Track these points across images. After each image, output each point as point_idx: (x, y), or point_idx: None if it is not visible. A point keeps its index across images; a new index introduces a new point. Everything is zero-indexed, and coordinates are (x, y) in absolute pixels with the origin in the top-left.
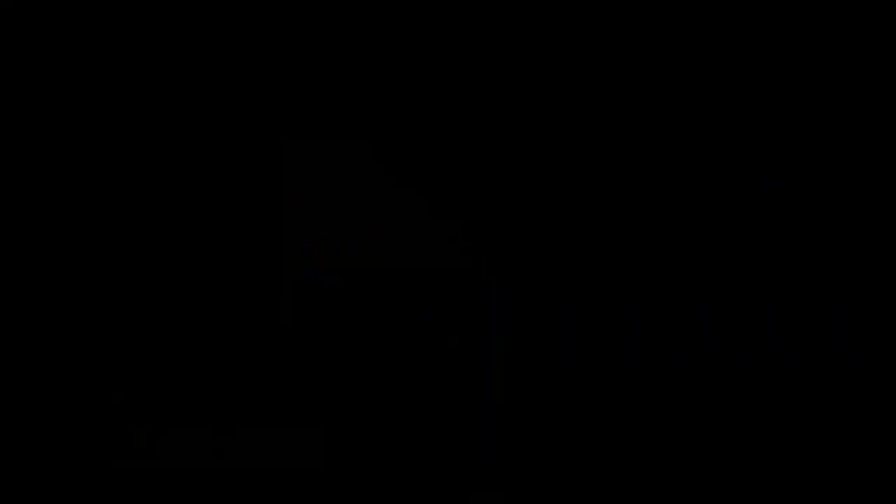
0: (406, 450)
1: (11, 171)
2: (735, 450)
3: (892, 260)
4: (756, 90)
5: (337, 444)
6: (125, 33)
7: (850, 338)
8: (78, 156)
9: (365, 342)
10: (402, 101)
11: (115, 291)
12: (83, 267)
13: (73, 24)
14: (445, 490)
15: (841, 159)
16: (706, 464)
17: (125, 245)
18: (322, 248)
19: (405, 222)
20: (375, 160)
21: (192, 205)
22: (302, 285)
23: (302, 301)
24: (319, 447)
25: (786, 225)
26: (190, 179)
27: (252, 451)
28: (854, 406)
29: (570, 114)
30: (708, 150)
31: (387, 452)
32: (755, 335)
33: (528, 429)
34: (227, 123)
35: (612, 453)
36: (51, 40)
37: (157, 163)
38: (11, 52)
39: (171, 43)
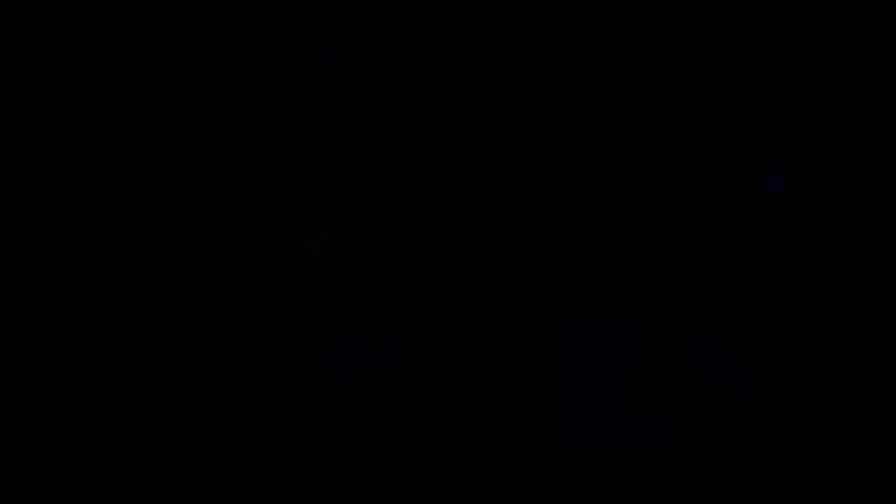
0: (406, 450)
1: (12, 172)
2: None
3: None
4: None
5: (337, 445)
6: (126, 35)
7: None
8: (79, 157)
9: (364, 342)
10: (403, 102)
11: (116, 292)
12: (84, 267)
13: (73, 25)
14: (445, 490)
15: None
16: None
17: (125, 245)
18: (322, 248)
19: (405, 222)
20: (375, 160)
21: (193, 205)
22: (302, 285)
23: (302, 301)
24: (320, 447)
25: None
26: (190, 180)
27: (252, 451)
28: None
29: (569, 116)
30: (707, 151)
31: (387, 452)
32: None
33: (529, 429)
34: (228, 124)
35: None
36: (51, 42)
37: (157, 163)
38: (12, 52)
39: (172, 45)
